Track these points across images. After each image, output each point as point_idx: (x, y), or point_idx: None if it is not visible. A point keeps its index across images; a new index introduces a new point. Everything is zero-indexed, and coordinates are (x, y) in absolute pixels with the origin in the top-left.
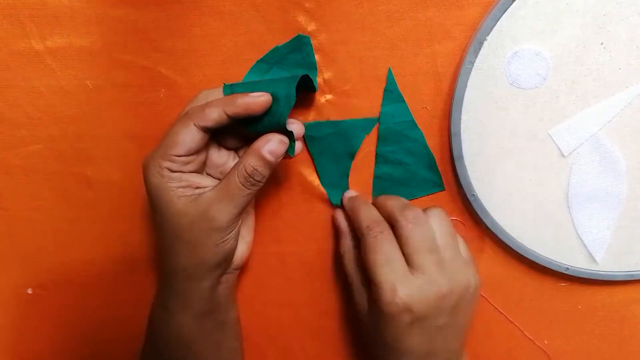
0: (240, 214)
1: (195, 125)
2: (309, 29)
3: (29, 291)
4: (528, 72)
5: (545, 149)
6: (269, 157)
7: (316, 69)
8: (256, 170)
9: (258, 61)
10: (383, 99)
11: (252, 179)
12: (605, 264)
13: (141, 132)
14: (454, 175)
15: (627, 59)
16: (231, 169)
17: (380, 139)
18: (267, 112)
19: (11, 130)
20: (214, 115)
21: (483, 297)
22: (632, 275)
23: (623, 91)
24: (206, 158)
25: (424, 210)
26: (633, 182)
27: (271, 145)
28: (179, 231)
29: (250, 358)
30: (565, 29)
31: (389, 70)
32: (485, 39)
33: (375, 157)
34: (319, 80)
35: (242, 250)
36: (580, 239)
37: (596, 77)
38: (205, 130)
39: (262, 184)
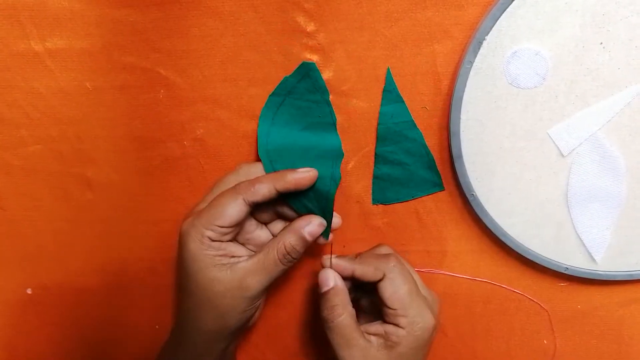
0: (270, 284)
1: (244, 199)
2: (308, 29)
3: (29, 291)
4: (527, 71)
5: (545, 149)
6: (308, 238)
7: (327, 91)
8: (294, 248)
9: (270, 95)
10: (382, 99)
11: (289, 256)
12: (605, 264)
13: (141, 133)
14: (453, 175)
15: (626, 59)
16: (269, 244)
17: (380, 139)
18: (312, 188)
19: (11, 130)
20: (264, 191)
21: (481, 297)
22: (631, 275)
23: (622, 91)
24: (241, 228)
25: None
26: (632, 182)
27: (311, 227)
28: (211, 297)
29: (250, 358)
30: (565, 29)
31: (388, 70)
32: (484, 39)
33: (375, 158)
34: None
35: (255, 315)
36: (580, 239)
37: (595, 77)
38: (252, 204)
39: (296, 260)
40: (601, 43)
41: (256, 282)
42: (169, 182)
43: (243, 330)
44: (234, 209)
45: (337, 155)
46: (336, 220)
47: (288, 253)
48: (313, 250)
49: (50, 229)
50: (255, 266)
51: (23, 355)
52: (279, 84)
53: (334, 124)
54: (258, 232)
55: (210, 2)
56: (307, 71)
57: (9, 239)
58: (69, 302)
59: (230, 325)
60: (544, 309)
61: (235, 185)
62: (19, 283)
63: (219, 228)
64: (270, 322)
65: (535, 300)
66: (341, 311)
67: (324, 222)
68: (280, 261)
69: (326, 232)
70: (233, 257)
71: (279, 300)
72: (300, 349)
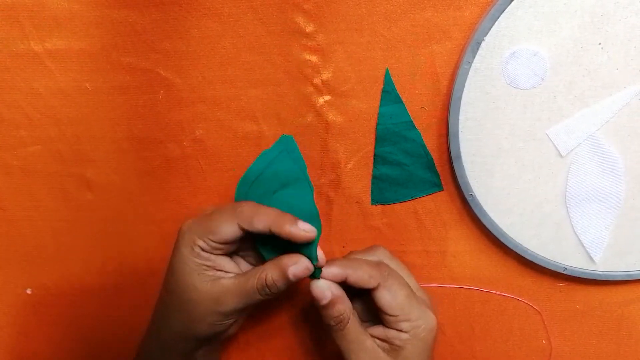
0: (247, 308)
1: (239, 225)
2: (307, 30)
3: (28, 291)
4: (526, 72)
5: (543, 149)
6: (291, 278)
7: (304, 164)
8: (275, 284)
9: (249, 168)
10: (381, 100)
11: (268, 289)
12: (604, 264)
13: (140, 133)
14: (452, 175)
15: (624, 60)
16: (253, 270)
17: (378, 140)
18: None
19: (10, 130)
20: (259, 227)
21: (480, 296)
22: (630, 275)
23: (621, 91)
24: (238, 246)
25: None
26: (631, 182)
27: (297, 268)
28: (186, 301)
29: (249, 359)
30: (563, 29)
31: (387, 71)
32: (483, 40)
33: (374, 158)
34: (317, 81)
35: (232, 329)
36: (579, 239)
37: (594, 78)
38: (246, 230)
39: (276, 294)
40: (600, 43)
41: (231, 303)
42: (169, 182)
43: (217, 340)
44: (228, 230)
45: (317, 215)
46: (321, 254)
47: (267, 286)
48: None
49: (50, 229)
50: (234, 288)
51: (23, 355)
52: (258, 158)
53: (311, 192)
54: (254, 250)
55: (210, 4)
56: (286, 144)
57: (8, 239)
58: (68, 302)
59: (197, 332)
60: (542, 309)
61: (240, 206)
62: (19, 283)
63: (211, 242)
64: (269, 323)
65: (534, 300)
66: (348, 317)
67: (311, 266)
68: (259, 292)
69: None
70: (220, 270)
71: (278, 301)
72: (299, 350)
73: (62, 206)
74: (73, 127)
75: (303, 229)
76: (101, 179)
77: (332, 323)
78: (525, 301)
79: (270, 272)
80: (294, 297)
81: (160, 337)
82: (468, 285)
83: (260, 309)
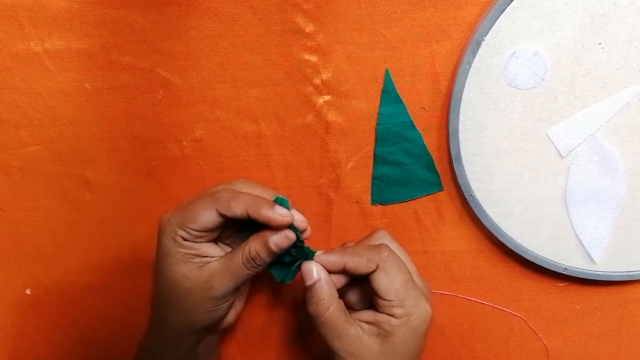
0: (238, 288)
1: (217, 210)
2: (307, 30)
3: (28, 292)
4: (526, 72)
5: (544, 149)
6: (273, 248)
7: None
8: (259, 255)
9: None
10: (381, 100)
11: (253, 262)
12: (604, 264)
13: (140, 133)
14: (452, 175)
15: (625, 60)
16: (236, 248)
17: (378, 140)
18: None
19: (10, 131)
20: (237, 212)
21: (480, 296)
22: (630, 275)
23: (621, 91)
24: (220, 233)
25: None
26: (631, 182)
27: (278, 237)
28: (178, 292)
29: (249, 358)
30: (563, 30)
31: (387, 71)
32: (483, 39)
33: (374, 158)
34: (317, 81)
35: (230, 317)
36: (579, 239)
37: (594, 78)
38: (224, 216)
39: (262, 267)
40: (600, 43)
41: (221, 284)
42: (168, 182)
43: (217, 329)
44: (207, 217)
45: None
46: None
47: (252, 259)
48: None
49: (49, 229)
50: (221, 268)
51: (21, 355)
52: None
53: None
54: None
55: (209, 4)
56: (279, 204)
57: (8, 240)
58: (67, 302)
59: (196, 322)
60: (542, 309)
61: (217, 192)
62: (18, 283)
63: (192, 230)
64: (270, 322)
65: (534, 300)
66: (328, 305)
67: (292, 235)
68: (245, 266)
69: (291, 274)
70: (206, 257)
71: (279, 300)
72: (300, 349)
73: (62, 206)
74: (72, 127)
75: (280, 213)
76: (100, 179)
77: (311, 308)
78: (524, 318)
79: (254, 245)
80: (295, 296)
81: (161, 335)
82: (467, 288)
83: (260, 309)
